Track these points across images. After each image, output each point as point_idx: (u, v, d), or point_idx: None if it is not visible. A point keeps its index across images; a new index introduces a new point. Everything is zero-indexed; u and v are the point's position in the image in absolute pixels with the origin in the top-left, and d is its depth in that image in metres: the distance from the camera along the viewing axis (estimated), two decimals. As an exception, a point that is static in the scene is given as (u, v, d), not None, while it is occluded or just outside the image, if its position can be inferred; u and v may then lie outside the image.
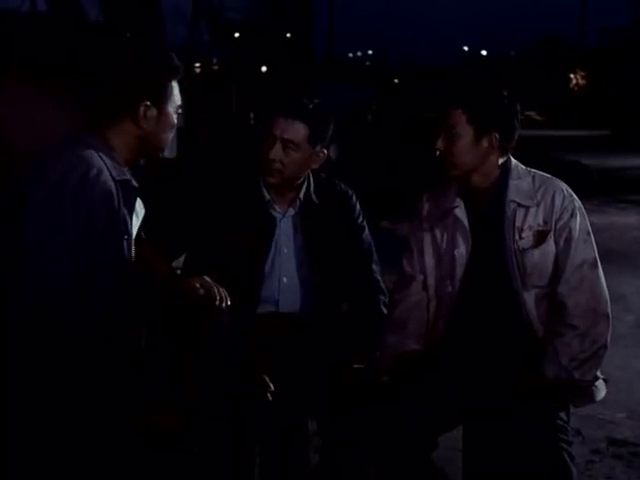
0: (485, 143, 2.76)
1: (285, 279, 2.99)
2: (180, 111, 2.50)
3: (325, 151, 2.97)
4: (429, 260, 2.89)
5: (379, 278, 3.11)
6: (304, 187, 3.02)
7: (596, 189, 13.03)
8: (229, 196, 2.96)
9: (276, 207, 2.99)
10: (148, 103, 2.42)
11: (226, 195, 2.97)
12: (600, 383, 2.80)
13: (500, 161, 2.81)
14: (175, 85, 2.48)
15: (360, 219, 3.11)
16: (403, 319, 2.89)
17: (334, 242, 3.01)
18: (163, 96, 2.45)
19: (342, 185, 3.12)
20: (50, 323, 2.21)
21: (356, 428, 2.81)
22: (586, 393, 2.77)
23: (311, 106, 2.93)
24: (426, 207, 2.93)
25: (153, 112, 2.43)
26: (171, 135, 2.50)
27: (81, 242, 2.25)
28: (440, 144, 2.77)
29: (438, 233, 2.88)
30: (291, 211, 3.02)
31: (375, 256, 3.12)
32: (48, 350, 2.22)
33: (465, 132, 2.75)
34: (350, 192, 3.12)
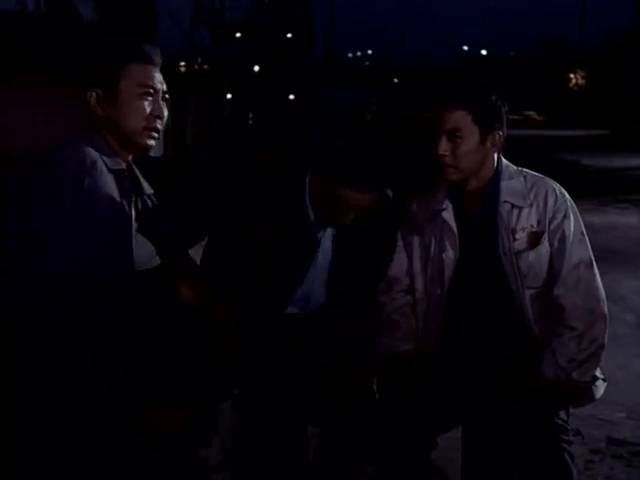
0: (489, 143, 2.72)
1: (317, 282, 2.94)
2: (151, 91, 2.43)
3: None
4: (416, 263, 2.87)
5: None
6: None
7: (596, 189, 13.04)
8: (274, 211, 2.85)
9: (320, 225, 2.90)
10: (98, 91, 2.39)
11: (271, 211, 2.86)
12: (599, 382, 2.80)
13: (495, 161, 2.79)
14: (137, 67, 2.41)
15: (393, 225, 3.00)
16: (392, 321, 2.86)
17: (366, 252, 2.94)
18: (113, 81, 2.39)
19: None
20: (50, 323, 2.21)
21: (355, 428, 2.81)
22: (585, 393, 2.76)
23: None
24: (415, 209, 2.90)
25: (102, 96, 2.40)
26: (138, 117, 2.42)
27: (84, 230, 2.26)
28: (443, 148, 2.69)
29: (426, 235, 2.84)
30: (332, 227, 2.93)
31: None
32: (47, 349, 2.23)
33: (470, 133, 2.68)
34: (391, 193, 2.96)
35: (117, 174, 2.38)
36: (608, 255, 7.47)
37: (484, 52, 59.50)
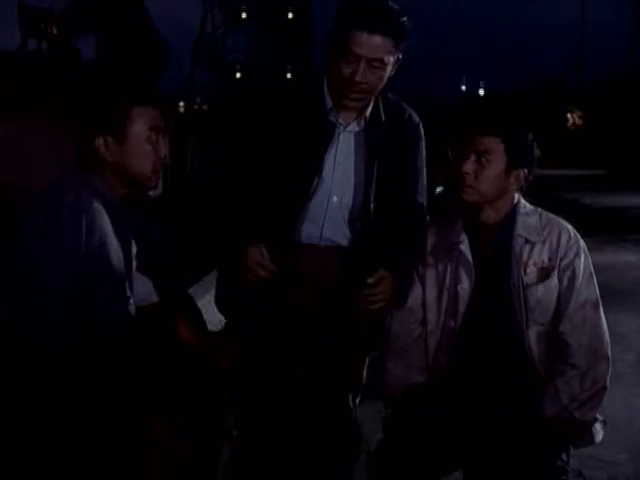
0: (512, 177, 2.76)
1: (335, 198, 2.80)
2: (156, 133, 2.45)
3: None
4: (430, 295, 2.87)
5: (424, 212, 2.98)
6: (371, 105, 2.80)
7: (596, 227, 13.04)
8: (289, 102, 2.76)
9: (339, 118, 2.78)
10: (107, 137, 2.41)
11: (286, 101, 2.76)
12: (599, 425, 2.79)
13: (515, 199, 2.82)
14: (142, 110, 2.43)
15: (421, 151, 2.94)
16: (405, 352, 2.88)
17: (392, 168, 2.83)
18: (119, 124, 2.41)
19: (411, 111, 2.93)
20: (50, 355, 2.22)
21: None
22: (585, 434, 2.76)
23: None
24: (430, 241, 2.91)
25: (111, 142, 2.41)
26: (147, 161, 2.45)
27: (79, 257, 2.27)
28: (468, 167, 2.72)
29: (441, 268, 2.86)
30: (355, 127, 2.81)
31: (423, 191, 2.96)
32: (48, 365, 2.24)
33: (498, 160, 2.72)
34: (418, 120, 2.93)
35: (116, 210, 2.39)
36: (608, 294, 7.40)
37: (481, 92, 59.82)
